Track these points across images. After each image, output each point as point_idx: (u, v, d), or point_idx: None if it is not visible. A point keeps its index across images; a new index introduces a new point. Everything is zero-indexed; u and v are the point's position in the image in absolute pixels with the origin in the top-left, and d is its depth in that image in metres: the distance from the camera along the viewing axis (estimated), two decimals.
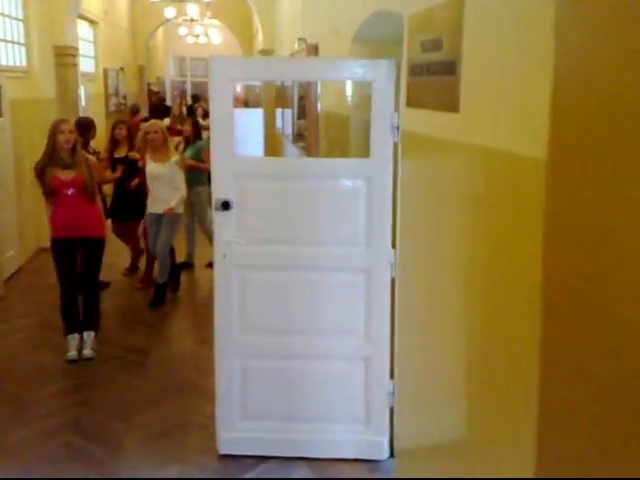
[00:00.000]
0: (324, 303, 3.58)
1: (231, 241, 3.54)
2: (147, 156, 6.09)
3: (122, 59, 15.39)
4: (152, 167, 6.05)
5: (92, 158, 5.17)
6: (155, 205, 6.13)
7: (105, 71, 13.18)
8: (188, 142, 7.20)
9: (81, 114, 10.09)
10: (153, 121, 6.53)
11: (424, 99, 2.42)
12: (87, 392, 4.52)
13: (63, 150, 4.83)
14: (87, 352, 5.02)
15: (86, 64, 12.19)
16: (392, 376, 3.60)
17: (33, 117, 7.97)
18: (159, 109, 12.61)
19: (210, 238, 7.16)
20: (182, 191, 6.13)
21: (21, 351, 5.18)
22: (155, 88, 21.07)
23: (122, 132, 6.76)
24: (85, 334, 5.08)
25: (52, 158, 4.83)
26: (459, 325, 2.39)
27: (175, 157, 6.12)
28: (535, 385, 1.56)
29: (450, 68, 2.07)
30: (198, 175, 6.85)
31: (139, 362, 5.02)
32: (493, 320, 2.00)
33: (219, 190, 3.52)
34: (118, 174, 6.49)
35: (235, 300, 3.59)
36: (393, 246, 3.50)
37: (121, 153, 6.63)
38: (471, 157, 2.04)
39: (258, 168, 3.62)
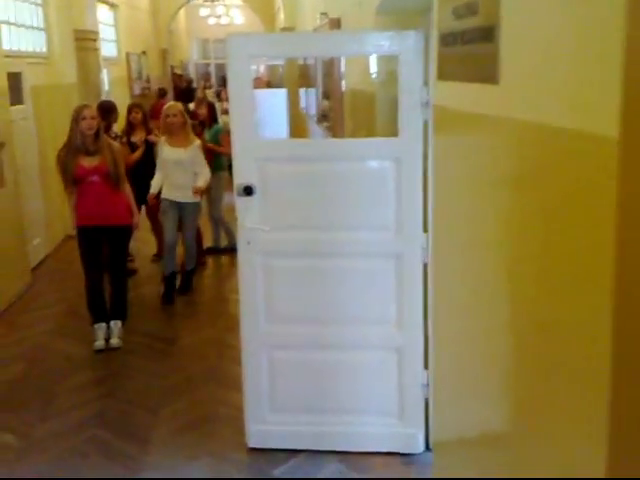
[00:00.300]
0: (353, 291, 3.42)
1: (255, 228, 3.39)
2: (162, 140, 5.79)
3: (144, 43, 15.27)
4: (170, 152, 5.70)
5: (116, 144, 5.05)
6: (173, 192, 5.76)
7: (127, 55, 13.07)
8: (204, 126, 7.04)
9: (105, 98, 10.04)
10: (171, 103, 6.25)
11: (458, 71, 2.22)
12: (113, 383, 4.44)
13: (86, 136, 4.72)
14: (114, 341, 4.94)
15: (108, 48, 12.10)
16: (426, 366, 3.44)
17: (55, 103, 7.89)
18: (185, 93, 12.51)
19: (216, 224, 7.07)
20: (206, 175, 5.80)
21: (48, 341, 5.12)
22: (179, 71, 20.98)
23: (138, 116, 6.69)
24: (112, 323, 5.00)
25: (75, 145, 4.72)
26: (505, 313, 2.21)
27: (197, 141, 5.83)
28: (606, 378, 1.37)
29: (487, 34, 1.87)
30: (218, 159, 6.71)
31: (166, 351, 4.93)
32: (550, 308, 1.81)
33: (241, 175, 3.36)
34: (138, 155, 6.36)
35: (261, 289, 3.45)
36: (425, 230, 3.32)
37: (137, 137, 6.52)
38: (514, 134, 1.84)
39: (281, 150, 3.45)
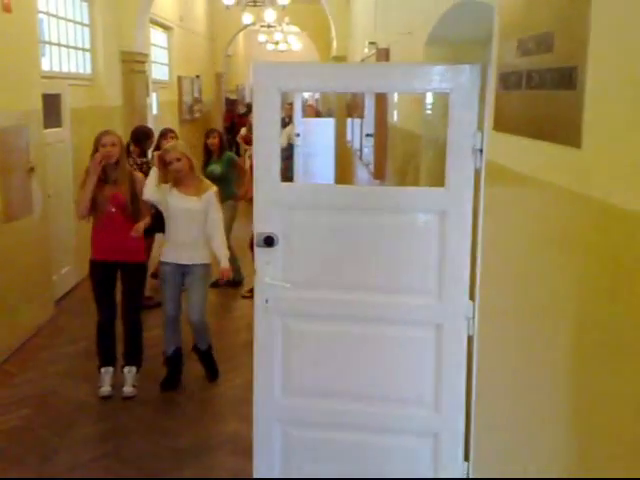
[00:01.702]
0: (384, 363, 2.94)
1: (275, 284, 2.94)
2: (167, 186, 4.49)
3: (199, 66, 15.17)
4: (180, 200, 4.45)
5: (138, 175, 4.70)
6: (177, 253, 4.52)
7: (179, 79, 12.93)
8: (210, 156, 6.69)
9: (152, 122, 9.84)
10: (172, 144, 4.89)
11: (521, 122, 1.73)
12: (120, 440, 4.03)
13: (106, 165, 4.39)
14: (127, 390, 4.54)
15: (159, 71, 11.97)
16: (466, 458, 2.91)
17: (97, 126, 7.60)
18: (241, 119, 12.26)
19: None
20: (223, 235, 4.65)
21: (59, 384, 4.76)
22: (233, 96, 20.92)
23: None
24: (126, 370, 4.60)
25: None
26: (566, 398, 1.75)
27: (213, 188, 4.58)
28: None
29: (566, 79, 1.38)
30: (228, 187, 6.37)
31: (181, 404, 4.51)
32: (615, 394, 1.37)
33: (262, 223, 2.94)
34: None
35: (278, 355, 3.00)
36: (471, 298, 2.82)
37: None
38: (595, 216, 1.36)
39: (308, 197, 3.00)
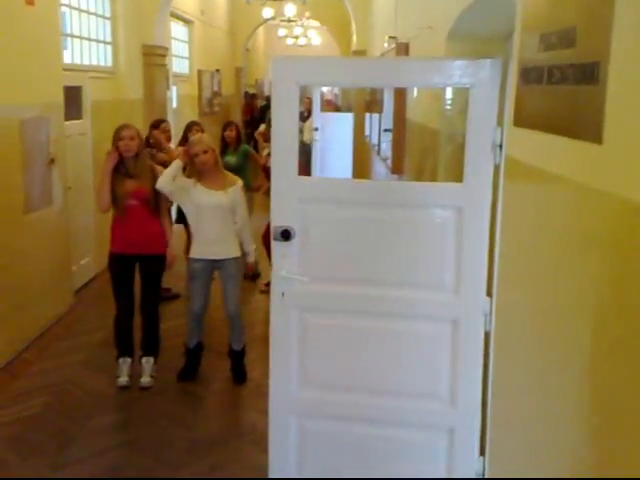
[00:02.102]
0: (400, 358, 2.94)
1: (292, 277, 2.95)
2: (192, 181, 4.46)
3: (219, 60, 15.20)
4: (206, 195, 4.41)
5: (159, 168, 4.72)
6: (207, 248, 4.48)
7: (199, 72, 12.97)
8: (227, 148, 6.67)
9: (171, 116, 9.89)
10: (198, 136, 4.88)
11: (542, 118, 1.72)
12: (136, 430, 4.06)
13: (124, 158, 4.43)
14: (144, 380, 4.58)
15: (180, 65, 12.01)
16: (482, 453, 2.91)
17: (117, 119, 7.66)
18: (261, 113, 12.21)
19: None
20: (249, 229, 4.64)
21: (76, 374, 4.81)
22: (252, 90, 20.94)
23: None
24: (144, 360, 4.65)
25: (115, 166, 4.43)
26: (583, 394, 1.74)
27: (239, 182, 4.54)
28: None
29: (588, 74, 1.37)
30: (246, 179, 6.35)
31: (198, 395, 4.54)
32: (635, 391, 1.35)
33: (279, 216, 2.94)
34: None
35: (294, 349, 3.01)
36: (488, 294, 2.81)
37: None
38: (618, 214, 1.34)
39: (326, 191, 3.00)
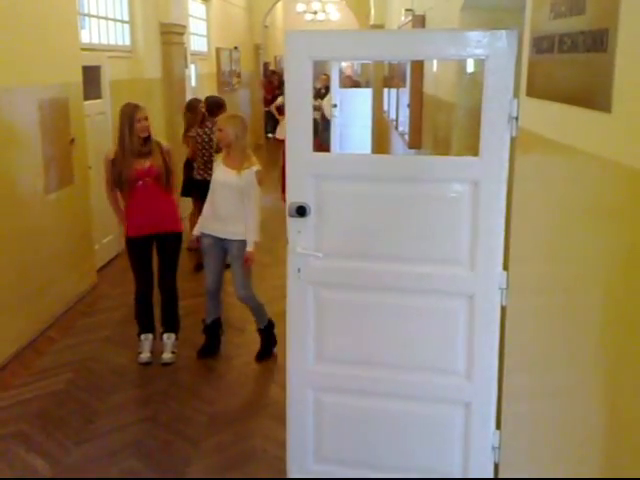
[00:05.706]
0: (416, 333, 2.94)
1: (307, 254, 2.96)
2: (220, 155, 4.63)
3: (237, 38, 15.11)
4: (221, 173, 4.49)
5: (167, 145, 4.71)
6: (215, 225, 4.52)
7: (218, 50, 12.92)
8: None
9: (190, 94, 9.88)
10: (225, 115, 5.03)
11: (553, 87, 1.70)
12: (158, 405, 4.13)
13: (139, 138, 4.44)
14: (166, 356, 4.66)
15: (198, 43, 11.97)
16: (498, 426, 2.92)
17: (136, 98, 7.61)
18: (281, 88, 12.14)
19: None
20: (255, 218, 4.46)
21: (100, 350, 4.90)
22: (273, 67, 20.84)
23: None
24: (165, 336, 4.72)
25: (129, 148, 4.44)
26: (597, 368, 1.74)
27: (256, 166, 4.47)
28: None
29: (597, 41, 1.34)
30: None
31: (218, 370, 4.60)
32: None
33: (294, 192, 2.95)
34: None
35: (310, 324, 3.03)
36: (505, 268, 2.80)
37: None
38: (629, 185, 1.33)
39: (341, 167, 2.99)
